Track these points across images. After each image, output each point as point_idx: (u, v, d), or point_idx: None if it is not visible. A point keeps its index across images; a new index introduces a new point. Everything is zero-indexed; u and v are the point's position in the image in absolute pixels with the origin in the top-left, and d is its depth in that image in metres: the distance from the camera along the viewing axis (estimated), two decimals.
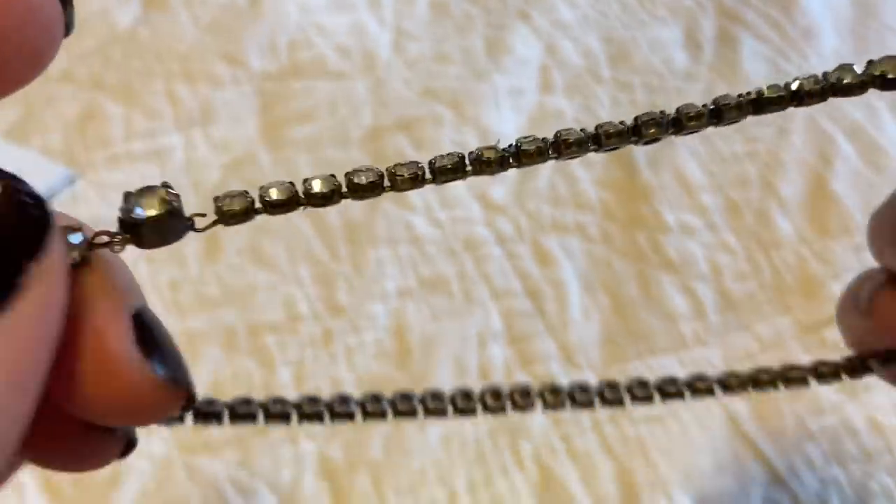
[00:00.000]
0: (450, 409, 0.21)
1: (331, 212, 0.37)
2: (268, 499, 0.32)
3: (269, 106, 0.40)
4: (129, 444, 0.15)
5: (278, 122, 0.40)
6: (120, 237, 0.14)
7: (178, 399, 0.13)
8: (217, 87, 0.40)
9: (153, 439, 0.32)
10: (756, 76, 0.42)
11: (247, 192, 0.15)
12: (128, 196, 0.14)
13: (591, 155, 0.44)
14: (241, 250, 0.36)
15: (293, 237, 0.37)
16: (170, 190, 0.14)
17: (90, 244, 0.13)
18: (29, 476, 0.32)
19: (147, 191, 0.14)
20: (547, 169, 0.39)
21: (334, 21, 0.43)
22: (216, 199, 0.15)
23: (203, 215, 0.15)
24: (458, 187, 0.38)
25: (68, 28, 0.14)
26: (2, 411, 0.11)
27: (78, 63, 0.41)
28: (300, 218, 0.37)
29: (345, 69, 0.41)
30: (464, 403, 0.21)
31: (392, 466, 0.32)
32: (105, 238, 0.14)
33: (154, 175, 0.37)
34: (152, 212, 0.14)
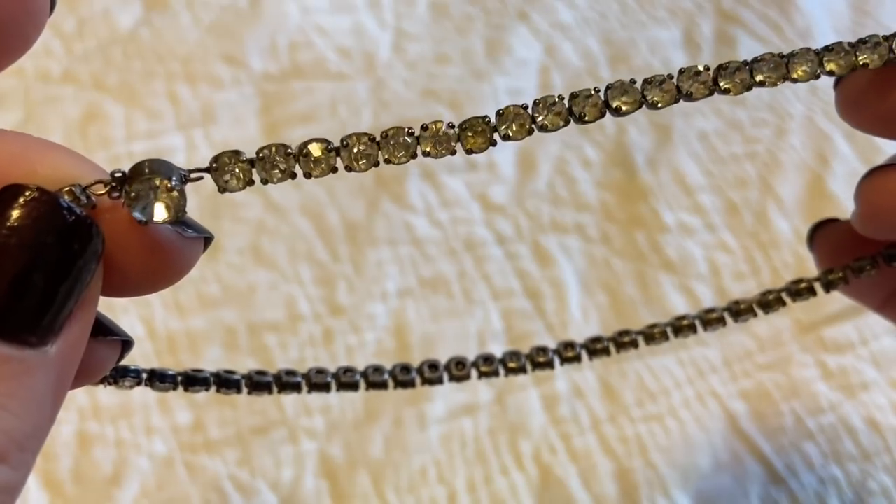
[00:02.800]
0: (445, 376, 0.22)
1: (331, 212, 0.37)
2: (268, 497, 0.32)
3: (270, 107, 0.40)
4: (126, 344, 0.17)
5: (279, 123, 0.40)
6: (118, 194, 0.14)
7: (203, 243, 0.16)
8: (218, 87, 0.40)
9: (154, 438, 0.33)
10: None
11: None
12: (133, 197, 0.14)
13: (591, 155, 0.44)
14: (241, 250, 0.36)
15: (294, 237, 0.37)
16: (175, 188, 0.14)
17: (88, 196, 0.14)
18: (30, 474, 0.32)
19: (151, 190, 0.14)
20: (547, 169, 0.39)
21: (335, 22, 0.43)
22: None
23: (201, 178, 0.15)
24: (458, 187, 0.39)
25: (51, 7, 0.15)
26: (37, 434, 0.14)
27: (79, 64, 0.41)
28: (301, 218, 0.37)
29: (345, 70, 0.41)
30: (458, 371, 0.22)
31: (392, 465, 0.33)
32: (102, 188, 0.14)
33: None
34: (160, 217, 0.14)
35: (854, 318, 0.36)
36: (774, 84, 0.16)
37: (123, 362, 0.19)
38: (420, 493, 0.32)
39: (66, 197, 0.13)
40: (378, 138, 0.15)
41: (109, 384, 0.18)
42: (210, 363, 0.34)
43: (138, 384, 0.19)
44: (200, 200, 0.37)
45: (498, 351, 0.35)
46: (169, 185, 0.14)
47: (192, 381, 0.20)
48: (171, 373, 0.19)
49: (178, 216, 0.14)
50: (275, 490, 0.32)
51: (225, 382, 0.20)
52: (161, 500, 0.32)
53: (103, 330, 0.16)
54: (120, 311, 0.34)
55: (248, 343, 0.35)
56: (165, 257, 0.15)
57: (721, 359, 0.35)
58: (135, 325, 0.34)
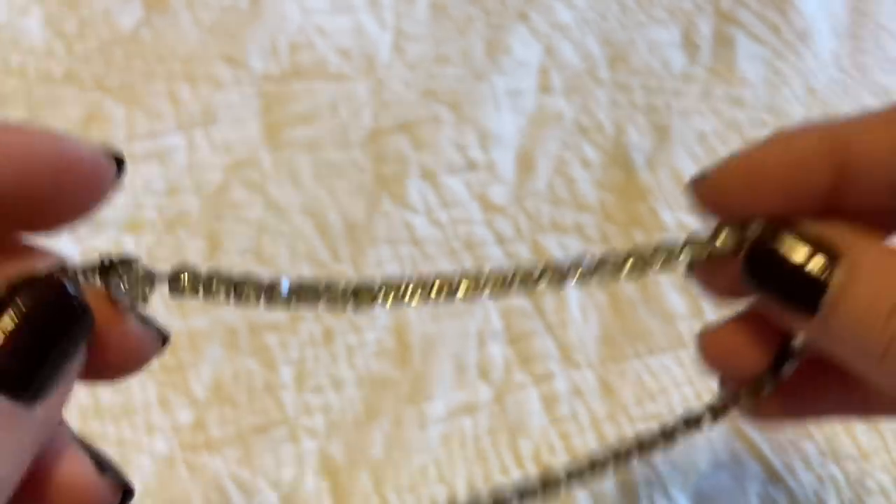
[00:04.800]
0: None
1: (331, 212, 0.37)
2: (269, 497, 0.32)
3: (271, 107, 0.40)
4: (126, 493, 0.19)
5: (279, 124, 0.40)
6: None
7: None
8: (219, 88, 0.41)
9: (155, 437, 0.33)
10: (752, 77, 0.42)
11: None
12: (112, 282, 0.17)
13: (590, 155, 0.44)
14: (243, 250, 0.36)
15: (294, 237, 0.37)
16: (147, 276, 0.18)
17: None
18: None
19: (129, 275, 0.17)
20: (546, 170, 0.39)
21: (335, 23, 0.43)
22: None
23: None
24: (457, 188, 0.39)
25: (118, 175, 0.17)
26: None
27: (80, 64, 0.41)
28: (301, 218, 0.37)
29: (345, 71, 0.42)
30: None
31: (392, 465, 0.33)
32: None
33: (156, 176, 0.37)
34: (138, 300, 0.18)
35: None
36: None
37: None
38: (420, 493, 0.32)
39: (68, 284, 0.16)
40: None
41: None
42: (211, 363, 0.34)
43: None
44: (202, 201, 0.37)
45: (498, 352, 0.35)
46: (142, 273, 0.18)
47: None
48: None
49: (146, 299, 0.18)
50: (275, 489, 0.32)
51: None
52: (162, 499, 0.32)
53: (104, 467, 0.18)
54: None
55: (248, 343, 0.35)
56: (134, 344, 0.18)
57: None
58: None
